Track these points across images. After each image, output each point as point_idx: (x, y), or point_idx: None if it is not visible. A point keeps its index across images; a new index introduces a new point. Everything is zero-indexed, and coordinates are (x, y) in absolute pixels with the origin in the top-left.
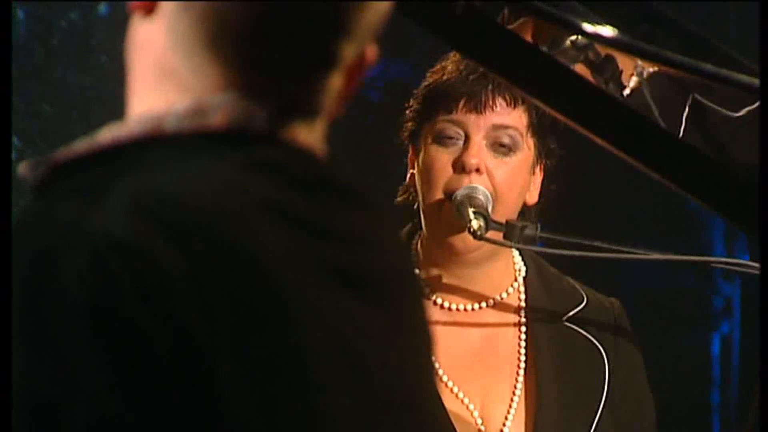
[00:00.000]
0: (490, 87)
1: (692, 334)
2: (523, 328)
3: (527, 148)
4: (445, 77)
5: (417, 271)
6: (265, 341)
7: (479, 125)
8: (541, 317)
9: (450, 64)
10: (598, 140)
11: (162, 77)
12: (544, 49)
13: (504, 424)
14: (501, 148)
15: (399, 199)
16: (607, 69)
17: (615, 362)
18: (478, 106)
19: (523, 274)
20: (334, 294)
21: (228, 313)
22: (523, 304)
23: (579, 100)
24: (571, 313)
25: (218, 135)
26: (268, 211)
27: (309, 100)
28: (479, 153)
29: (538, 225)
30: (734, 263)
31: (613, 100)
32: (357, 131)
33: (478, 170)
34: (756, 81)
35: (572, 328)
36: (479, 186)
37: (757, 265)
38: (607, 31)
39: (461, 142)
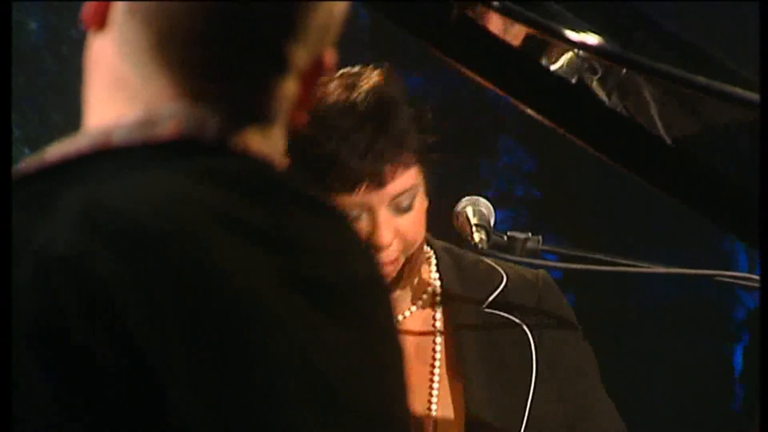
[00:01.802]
0: (388, 165)
1: (715, 345)
2: (439, 324)
3: (421, 187)
4: (332, 145)
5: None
6: (220, 356)
7: (383, 200)
8: (459, 306)
9: (330, 124)
10: (593, 150)
11: (114, 89)
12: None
13: (428, 416)
14: (403, 208)
15: None
16: (611, 78)
17: (540, 336)
18: (381, 185)
19: (434, 263)
20: (294, 305)
21: (180, 327)
22: (439, 297)
23: (572, 108)
24: (491, 298)
25: (168, 145)
26: (220, 221)
27: (261, 106)
28: (388, 226)
29: (540, 238)
30: (741, 277)
31: (609, 110)
32: None
33: (390, 245)
34: (753, 95)
35: (493, 312)
36: (481, 198)
37: (757, 277)
38: (592, 39)
39: (364, 214)
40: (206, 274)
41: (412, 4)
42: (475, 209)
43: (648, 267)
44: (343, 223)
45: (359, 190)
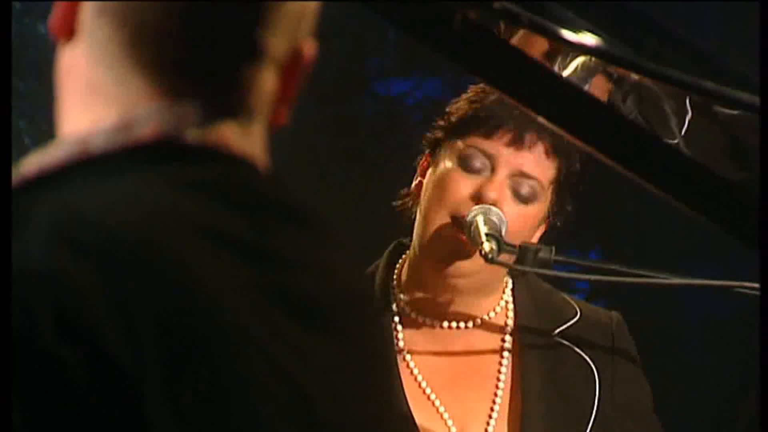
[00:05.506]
0: (529, 134)
1: (756, 359)
2: (508, 345)
3: (545, 200)
4: (491, 99)
5: (397, 290)
6: (199, 372)
7: (509, 162)
8: (529, 332)
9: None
10: (600, 155)
11: (88, 95)
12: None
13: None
14: (520, 195)
15: (398, 203)
16: (627, 81)
17: (611, 378)
18: (515, 141)
19: (510, 286)
20: (275, 320)
21: (157, 342)
22: (510, 320)
23: (581, 114)
24: (561, 328)
25: (148, 149)
26: (200, 231)
27: (240, 100)
28: (500, 189)
29: (552, 248)
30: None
31: (614, 114)
32: (389, 147)
33: (494, 204)
34: (756, 99)
35: (562, 343)
36: (493, 207)
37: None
38: (593, 40)
39: (486, 174)
40: (185, 288)
41: (415, 8)
42: (486, 218)
43: (666, 278)
44: (329, 235)
45: (493, 137)
